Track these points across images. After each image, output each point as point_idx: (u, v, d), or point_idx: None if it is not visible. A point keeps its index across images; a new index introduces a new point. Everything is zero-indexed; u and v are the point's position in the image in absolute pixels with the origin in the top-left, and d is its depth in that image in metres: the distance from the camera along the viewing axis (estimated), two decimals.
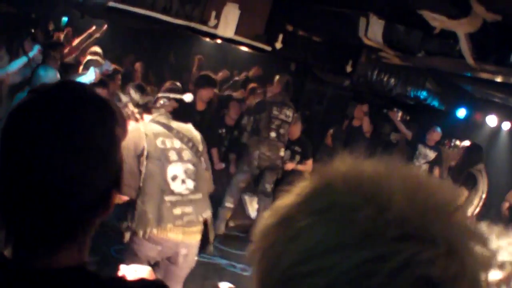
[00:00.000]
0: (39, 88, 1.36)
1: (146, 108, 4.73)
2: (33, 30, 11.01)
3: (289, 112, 8.66)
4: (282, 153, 8.84)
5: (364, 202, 0.74)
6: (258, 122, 8.46)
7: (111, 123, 1.36)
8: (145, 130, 4.48)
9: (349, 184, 0.78)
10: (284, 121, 8.59)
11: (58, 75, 7.19)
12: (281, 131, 8.60)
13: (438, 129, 10.72)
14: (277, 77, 8.91)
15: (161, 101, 7.27)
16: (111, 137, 1.36)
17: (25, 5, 11.30)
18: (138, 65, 11.91)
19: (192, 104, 8.65)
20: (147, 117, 4.71)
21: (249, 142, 8.62)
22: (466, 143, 9.73)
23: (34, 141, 1.25)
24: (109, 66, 6.67)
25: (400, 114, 12.72)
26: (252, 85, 10.10)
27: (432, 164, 10.74)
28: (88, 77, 5.94)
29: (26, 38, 9.52)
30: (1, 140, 1.29)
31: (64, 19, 13.68)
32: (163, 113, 4.88)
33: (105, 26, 10.57)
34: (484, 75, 7.34)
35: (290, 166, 9.74)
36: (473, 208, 8.93)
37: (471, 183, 8.77)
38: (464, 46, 6.21)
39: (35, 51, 7.71)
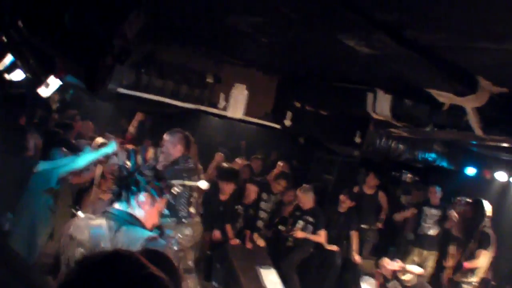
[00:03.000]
0: (87, 264, 1.28)
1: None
2: (36, 120, 11.01)
3: None
4: None
5: None
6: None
7: None
8: None
9: None
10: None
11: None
12: None
13: (437, 188, 10.95)
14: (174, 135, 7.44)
15: (176, 189, 7.29)
16: None
17: (31, 86, 11.28)
18: None
19: (215, 194, 8.87)
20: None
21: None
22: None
23: None
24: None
25: (409, 176, 12.86)
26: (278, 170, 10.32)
27: (440, 222, 10.91)
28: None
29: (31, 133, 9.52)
30: None
31: (70, 91, 13.70)
32: None
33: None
34: (492, 143, 7.47)
35: (300, 234, 9.85)
36: (490, 263, 9.05)
37: (487, 242, 8.89)
38: (472, 119, 6.32)
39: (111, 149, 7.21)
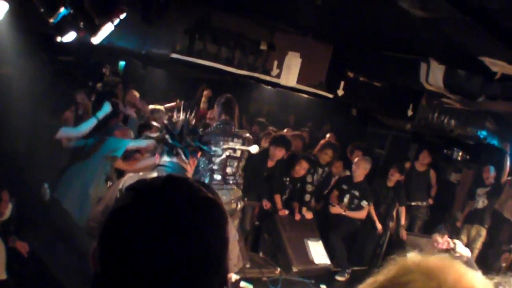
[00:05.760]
0: (142, 187, 1.27)
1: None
2: (90, 83, 11.15)
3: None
4: None
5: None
6: None
7: (222, 224, 1.29)
8: None
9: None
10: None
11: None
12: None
13: (491, 168, 10.73)
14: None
15: (227, 153, 7.33)
16: (223, 240, 1.28)
17: (84, 54, 11.30)
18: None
19: (263, 160, 8.91)
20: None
21: None
22: None
23: (142, 248, 1.16)
24: None
25: (460, 153, 12.73)
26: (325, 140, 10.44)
27: (489, 195, 10.72)
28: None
29: (78, 90, 9.68)
30: (105, 244, 1.22)
31: (122, 63, 13.81)
32: None
33: None
34: None
35: (339, 210, 9.89)
36: None
37: None
38: None
39: (106, 110, 7.12)
